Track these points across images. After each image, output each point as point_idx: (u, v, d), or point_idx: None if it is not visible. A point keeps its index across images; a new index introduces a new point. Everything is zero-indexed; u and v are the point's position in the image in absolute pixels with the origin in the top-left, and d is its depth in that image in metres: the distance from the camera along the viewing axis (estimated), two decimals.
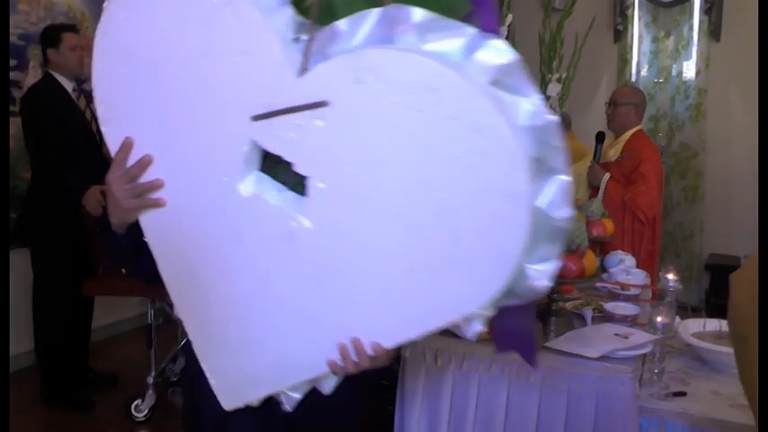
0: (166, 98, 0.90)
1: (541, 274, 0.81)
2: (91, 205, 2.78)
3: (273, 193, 0.88)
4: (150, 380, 2.85)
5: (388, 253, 0.83)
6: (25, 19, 3.38)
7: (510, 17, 1.74)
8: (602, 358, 1.56)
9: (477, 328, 0.85)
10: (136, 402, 2.83)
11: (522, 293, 0.83)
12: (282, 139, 0.84)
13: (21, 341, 3.13)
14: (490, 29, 0.78)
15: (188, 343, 1.03)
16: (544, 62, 1.83)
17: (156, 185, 0.94)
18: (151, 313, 2.91)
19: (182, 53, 0.87)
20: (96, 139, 3.04)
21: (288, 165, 0.85)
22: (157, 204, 0.94)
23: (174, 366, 3.15)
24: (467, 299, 0.82)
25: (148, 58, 0.89)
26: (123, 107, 0.93)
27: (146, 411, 2.83)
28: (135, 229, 0.99)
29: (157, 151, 0.92)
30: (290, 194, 0.88)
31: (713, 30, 4.49)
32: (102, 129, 0.96)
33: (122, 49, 0.90)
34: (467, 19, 0.80)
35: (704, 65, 4.52)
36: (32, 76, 3.34)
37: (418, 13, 0.76)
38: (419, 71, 0.75)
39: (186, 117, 0.89)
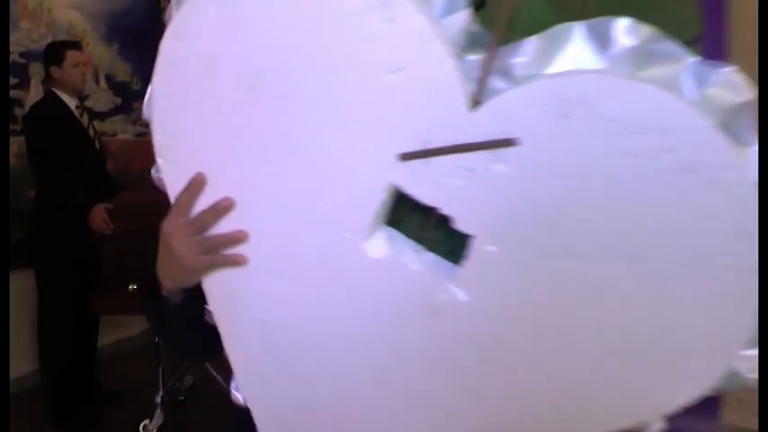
0: (266, 123, 0.67)
1: (752, 360, 0.62)
2: (97, 223, 2.77)
3: (412, 255, 0.67)
4: (159, 399, 2.82)
5: (570, 335, 0.63)
6: (26, 36, 3.37)
7: None
8: None
9: (659, 426, 0.67)
10: (144, 422, 2.80)
11: (725, 386, 0.64)
12: (443, 187, 0.62)
13: (24, 362, 3.10)
14: (717, 56, 0.62)
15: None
16: None
17: (237, 238, 0.70)
18: None
19: (301, 66, 0.64)
20: (100, 157, 3.04)
21: (425, 218, 0.66)
22: (236, 263, 0.71)
23: (182, 384, 3.12)
24: (668, 396, 0.64)
25: (244, 72, 0.66)
26: (195, 134, 0.70)
27: (154, 431, 2.80)
28: (194, 295, 0.76)
29: (241, 193, 0.70)
30: (434, 258, 0.67)
31: None
32: (159, 161, 0.74)
33: (204, 57, 0.67)
34: (690, 43, 0.61)
35: None
36: (34, 94, 3.33)
37: (636, 31, 0.57)
38: (652, 107, 0.56)
39: (295, 150, 0.67)
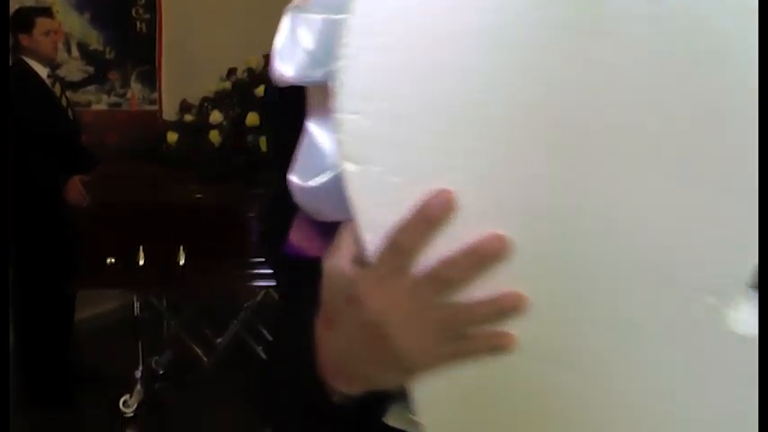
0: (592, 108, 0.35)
1: None
2: (73, 196, 2.70)
3: None
4: (138, 374, 2.79)
5: None
6: None
7: None
8: None
9: None
10: (124, 398, 2.77)
11: None
12: None
13: None
14: None
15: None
16: None
17: (513, 304, 0.37)
18: (137, 306, 2.84)
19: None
20: (74, 128, 2.96)
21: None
22: (502, 349, 0.39)
23: (162, 359, 3.10)
24: None
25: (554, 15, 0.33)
26: (426, 113, 0.35)
27: (134, 407, 2.77)
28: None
29: (520, 225, 0.37)
30: None
31: None
32: (347, 165, 0.37)
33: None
34: None
35: None
36: None
37: None
38: None
39: (628, 159, 0.35)
